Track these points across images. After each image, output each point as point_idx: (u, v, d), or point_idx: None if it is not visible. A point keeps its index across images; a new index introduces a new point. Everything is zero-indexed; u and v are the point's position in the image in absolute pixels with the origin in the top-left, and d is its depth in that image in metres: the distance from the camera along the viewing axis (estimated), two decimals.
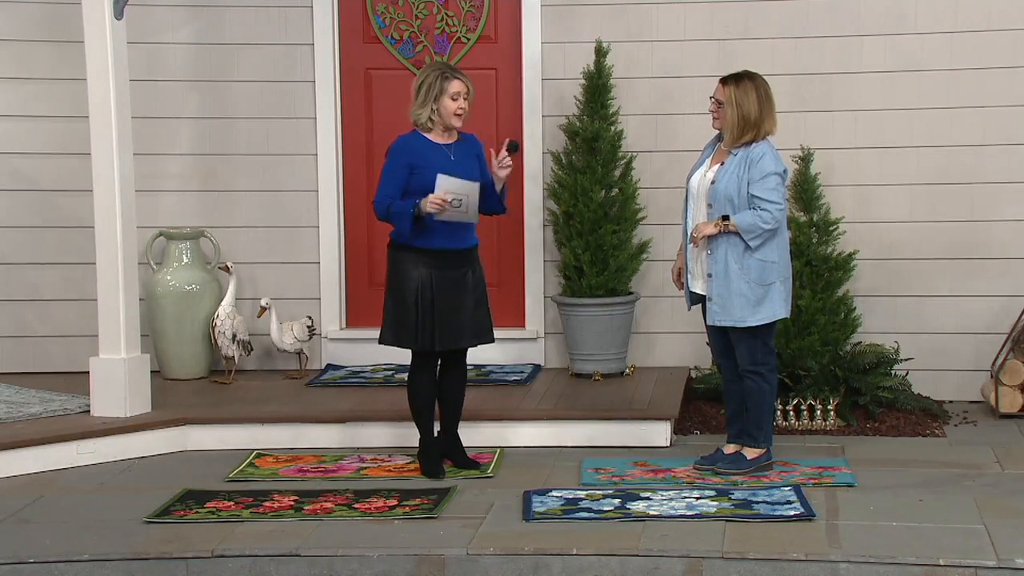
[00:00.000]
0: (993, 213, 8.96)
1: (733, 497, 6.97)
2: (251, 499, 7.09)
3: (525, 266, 9.41)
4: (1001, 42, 8.87)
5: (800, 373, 8.49)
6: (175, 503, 7.03)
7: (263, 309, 9.11)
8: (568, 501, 6.95)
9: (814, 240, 8.73)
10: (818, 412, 8.43)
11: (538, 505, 6.88)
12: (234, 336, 9.06)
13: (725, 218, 7.23)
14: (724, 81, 7.37)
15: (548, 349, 9.40)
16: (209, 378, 9.26)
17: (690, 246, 7.40)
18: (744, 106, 7.27)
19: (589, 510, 6.80)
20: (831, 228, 8.78)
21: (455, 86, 7.30)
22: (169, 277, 9.20)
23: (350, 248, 9.53)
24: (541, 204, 9.31)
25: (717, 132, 7.47)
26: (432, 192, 7.20)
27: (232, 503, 7.03)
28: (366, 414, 8.24)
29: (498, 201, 7.44)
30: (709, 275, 7.33)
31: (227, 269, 9.16)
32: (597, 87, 9.01)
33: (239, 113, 9.41)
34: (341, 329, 9.51)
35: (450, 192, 7.20)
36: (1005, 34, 8.87)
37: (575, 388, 8.78)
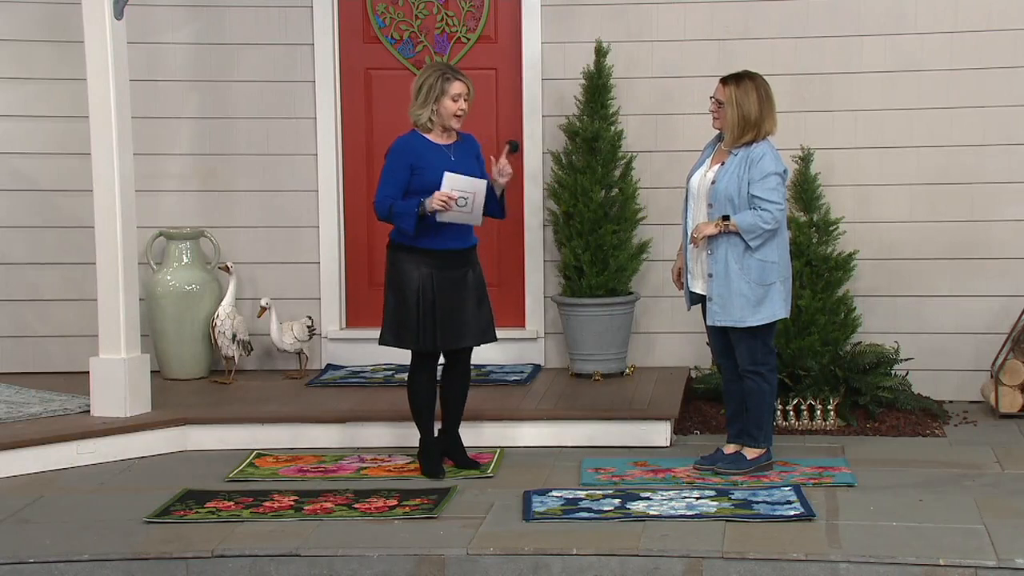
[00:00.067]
0: (993, 213, 8.96)
1: (733, 497, 6.97)
2: (251, 499, 7.09)
3: (525, 266, 9.41)
4: (1001, 42, 8.87)
5: (800, 373, 8.49)
6: (175, 503, 7.02)
7: (263, 309, 9.11)
8: (568, 501, 6.95)
9: (814, 240, 8.73)
10: (818, 412, 8.43)
11: (538, 505, 6.88)
12: (234, 336, 9.06)
13: (725, 218, 7.23)
14: (724, 81, 7.37)
15: (548, 349, 9.40)
16: (209, 378, 9.26)
17: (690, 246, 7.40)
18: (744, 106, 7.27)
19: (589, 510, 6.80)
20: (831, 228, 8.78)
21: (456, 87, 7.30)
22: (169, 277, 9.20)
23: (350, 248, 9.53)
24: (541, 204, 9.31)
25: (717, 132, 7.47)
26: (434, 192, 7.20)
27: (232, 503, 7.03)
28: (366, 414, 8.24)
29: (498, 206, 7.43)
30: (709, 275, 7.33)
31: (227, 269, 9.16)
32: (597, 87, 9.01)
33: (239, 113, 9.41)
34: (341, 329, 9.51)
35: (456, 190, 7.19)
36: (1005, 34, 8.87)
37: (575, 388, 8.78)
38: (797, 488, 7.10)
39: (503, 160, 7.35)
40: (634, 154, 9.11)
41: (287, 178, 9.43)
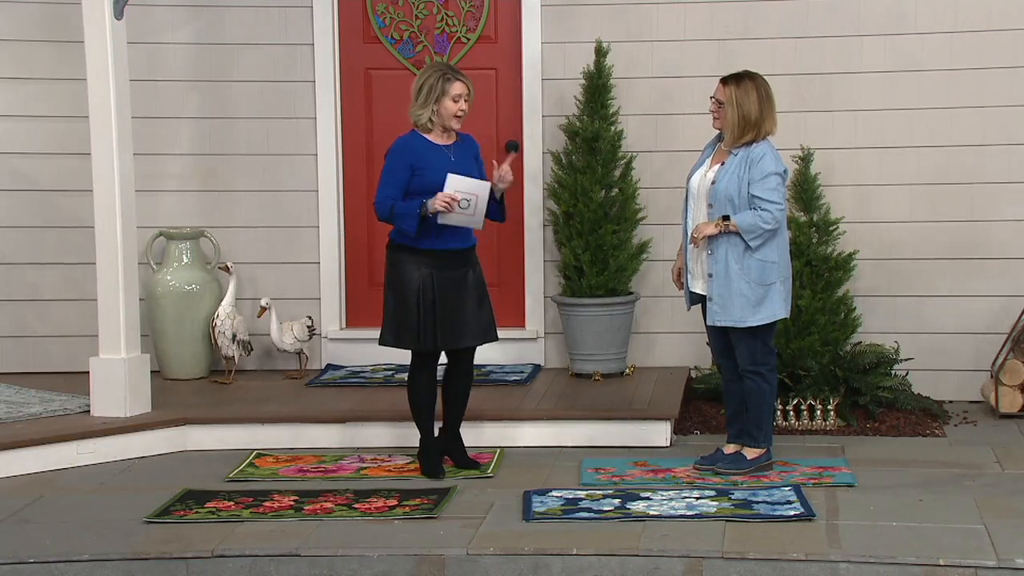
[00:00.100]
0: (993, 213, 8.96)
1: (733, 497, 6.97)
2: (251, 499, 7.09)
3: (525, 266, 9.41)
4: (1001, 42, 8.87)
5: (800, 373, 8.49)
6: (175, 503, 7.02)
7: (263, 309, 9.11)
8: (568, 501, 6.95)
9: (814, 240, 8.73)
10: (818, 412, 8.43)
11: (538, 505, 6.88)
12: (234, 336, 9.06)
13: (725, 218, 7.23)
14: (725, 81, 7.37)
15: (548, 349, 9.40)
16: (209, 378, 9.26)
17: (690, 246, 7.39)
18: (745, 106, 7.27)
19: (589, 510, 6.80)
20: (831, 228, 8.78)
21: (457, 88, 7.29)
22: (169, 277, 9.20)
23: (350, 248, 9.53)
24: (541, 204, 9.31)
25: (717, 132, 7.47)
26: (434, 193, 7.20)
27: (232, 503, 7.03)
28: (366, 414, 8.24)
29: (498, 209, 7.43)
30: (709, 275, 7.33)
31: (227, 269, 9.16)
32: (597, 87, 9.01)
33: (239, 113, 9.41)
34: (341, 329, 9.51)
35: (460, 191, 7.18)
36: (1005, 34, 8.87)
37: (575, 388, 8.78)
38: (797, 488, 7.10)
39: (505, 167, 7.34)
40: (634, 154, 9.11)
41: (287, 178, 9.43)
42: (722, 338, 7.46)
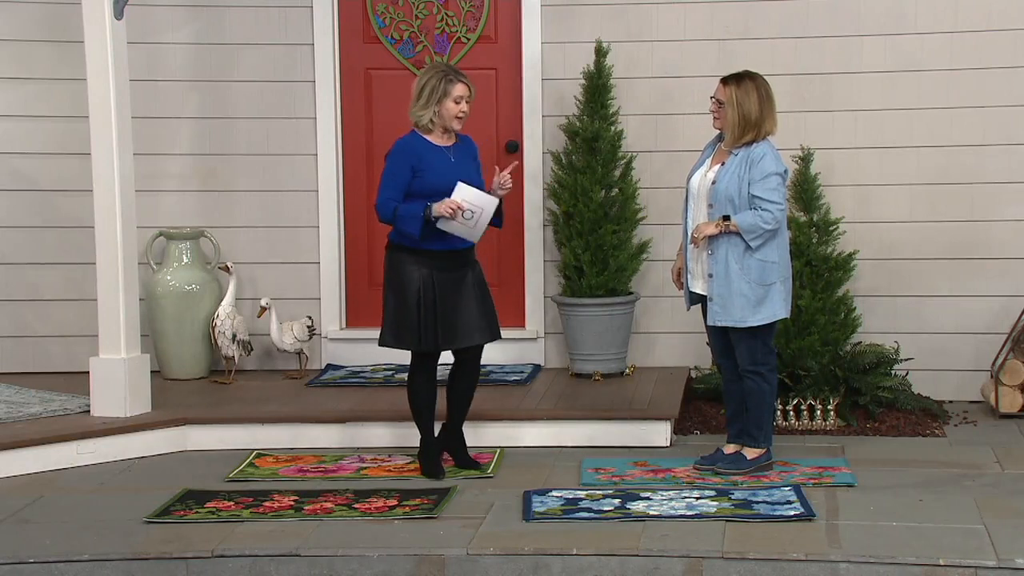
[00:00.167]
0: (993, 213, 8.96)
1: (733, 497, 6.97)
2: (251, 499, 7.09)
3: (525, 266, 9.41)
4: (1001, 42, 8.87)
5: (800, 373, 8.49)
6: (175, 503, 7.02)
7: (263, 309, 9.11)
8: (568, 501, 6.95)
9: (814, 240, 8.73)
10: (818, 412, 8.43)
11: (538, 505, 6.88)
12: (234, 336, 9.06)
13: (726, 218, 7.23)
14: (725, 81, 7.37)
15: (548, 349, 9.40)
16: (209, 378, 9.26)
17: (690, 246, 7.39)
18: (745, 106, 7.26)
19: (589, 510, 6.80)
20: (831, 228, 8.78)
21: (458, 89, 7.29)
22: (169, 277, 9.20)
23: (350, 248, 9.53)
24: (541, 204, 9.31)
25: (717, 132, 7.47)
26: (435, 194, 7.20)
27: (232, 503, 7.03)
28: (366, 414, 8.24)
29: (497, 215, 7.42)
30: (710, 275, 7.33)
31: (227, 269, 9.16)
32: (597, 87, 9.01)
33: (239, 113, 9.41)
34: (341, 329, 9.51)
35: (467, 201, 7.18)
36: (1005, 34, 8.87)
37: (575, 388, 8.78)
38: (797, 488, 7.09)
39: (505, 174, 7.34)
40: (634, 154, 9.11)
41: (287, 178, 9.43)
42: (722, 338, 7.46)
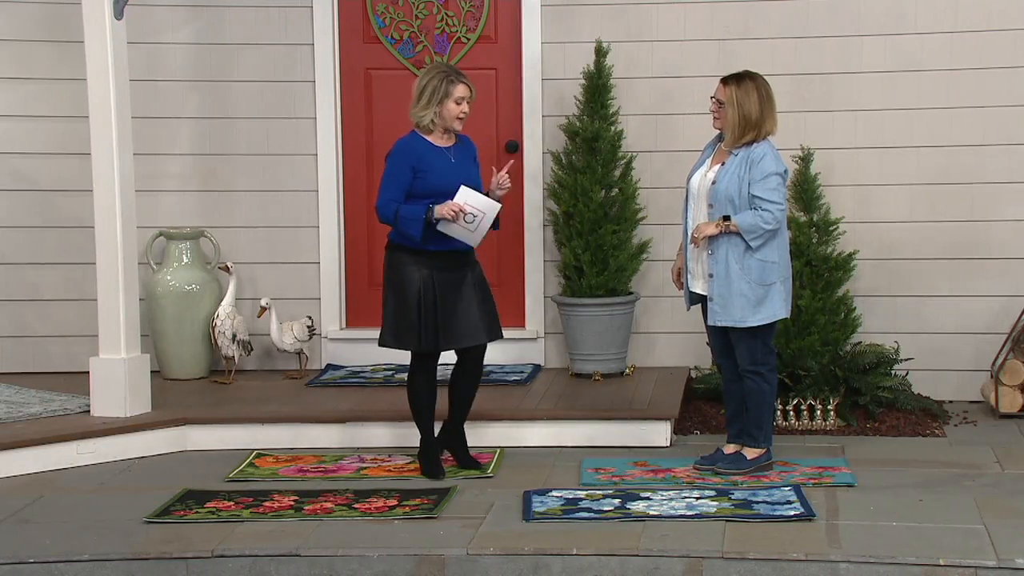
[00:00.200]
0: (993, 213, 8.96)
1: (733, 497, 6.97)
2: (251, 499, 7.09)
3: (525, 266, 9.41)
4: (1001, 42, 8.87)
5: (800, 373, 8.49)
6: (175, 503, 7.02)
7: (263, 309, 9.11)
8: (568, 501, 6.95)
9: (814, 240, 8.73)
10: (818, 412, 8.43)
11: (538, 505, 6.88)
12: (234, 336, 9.06)
13: (726, 218, 7.23)
14: (725, 81, 7.37)
15: (548, 349, 9.40)
16: (209, 378, 9.26)
17: (690, 246, 7.39)
18: (745, 106, 7.26)
19: (589, 510, 6.80)
20: (831, 228, 8.78)
21: (460, 90, 7.29)
22: (169, 277, 9.20)
23: (350, 248, 9.53)
24: (541, 204, 9.31)
25: (717, 132, 7.47)
26: (435, 195, 7.19)
27: (232, 503, 7.03)
28: (366, 414, 8.24)
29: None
30: (710, 275, 7.33)
31: (227, 269, 9.16)
32: (597, 87, 9.01)
33: (239, 113, 9.41)
34: (341, 329, 9.51)
35: (469, 204, 7.18)
36: (1005, 34, 8.87)
37: (575, 388, 8.78)
38: (797, 488, 7.09)
39: (502, 174, 7.34)
40: (634, 154, 9.11)
41: (287, 178, 9.43)
42: (722, 338, 7.46)
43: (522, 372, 9.11)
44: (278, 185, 9.44)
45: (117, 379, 8.08)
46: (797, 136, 8.81)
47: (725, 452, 7.54)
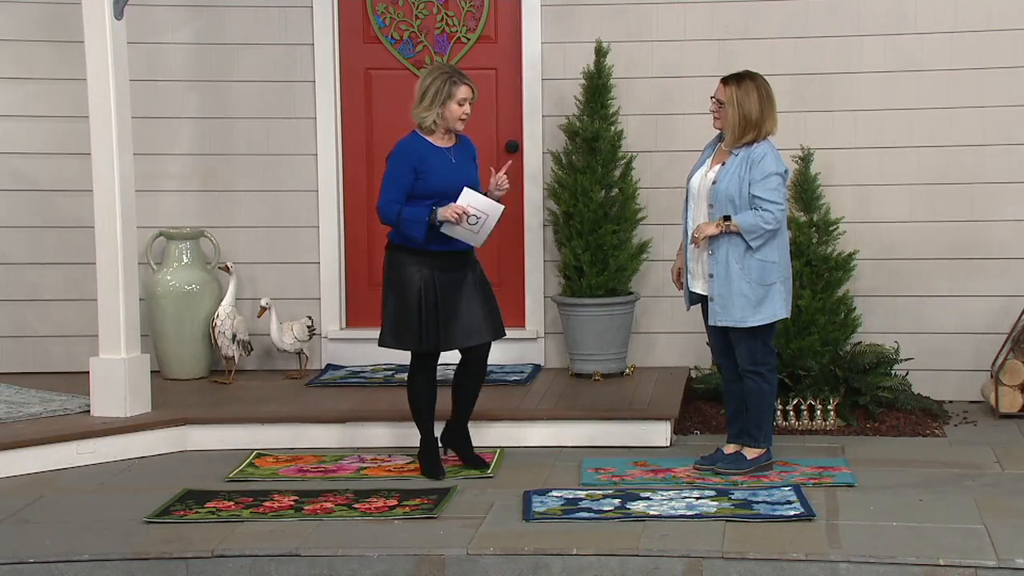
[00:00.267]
0: (993, 213, 8.96)
1: (733, 497, 6.97)
2: (251, 499, 7.09)
3: (525, 266, 9.41)
4: (1001, 42, 8.87)
5: (800, 373, 8.49)
6: (175, 503, 7.02)
7: (263, 309, 9.11)
8: (568, 501, 6.95)
9: (814, 240, 8.73)
10: (818, 412, 8.43)
11: (538, 505, 6.88)
12: (234, 336, 9.06)
13: (726, 218, 7.23)
14: (725, 81, 7.37)
15: (548, 349, 9.40)
16: (209, 378, 9.26)
17: (691, 246, 7.39)
18: (745, 106, 7.26)
19: (589, 510, 6.80)
20: (831, 228, 8.78)
21: (462, 91, 7.28)
22: (169, 277, 9.20)
23: (350, 248, 9.53)
24: (541, 204, 9.31)
25: (717, 132, 7.47)
26: (436, 196, 7.20)
27: (232, 503, 7.03)
28: (366, 414, 8.24)
29: None
30: (710, 275, 7.33)
31: (227, 269, 9.16)
32: (597, 87, 9.01)
33: (239, 113, 9.41)
34: (341, 329, 9.51)
35: (472, 206, 7.18)
36: (1005, 34, 8.87)
37: (575, 388, 8.78)
38: (797, 488, 7.09)
39: (501, 175, 7.34)
40: (634, 154, 9.11)
41: (287, 178, 9.43)
42: (722, 338, 7.46)
43: (522, 372, 9.11)
44: (278, 185, 9.44)
45: (117, 379, 8.08)
46: (797, 136, 8.81)
47: (725, 452, 7.54)
